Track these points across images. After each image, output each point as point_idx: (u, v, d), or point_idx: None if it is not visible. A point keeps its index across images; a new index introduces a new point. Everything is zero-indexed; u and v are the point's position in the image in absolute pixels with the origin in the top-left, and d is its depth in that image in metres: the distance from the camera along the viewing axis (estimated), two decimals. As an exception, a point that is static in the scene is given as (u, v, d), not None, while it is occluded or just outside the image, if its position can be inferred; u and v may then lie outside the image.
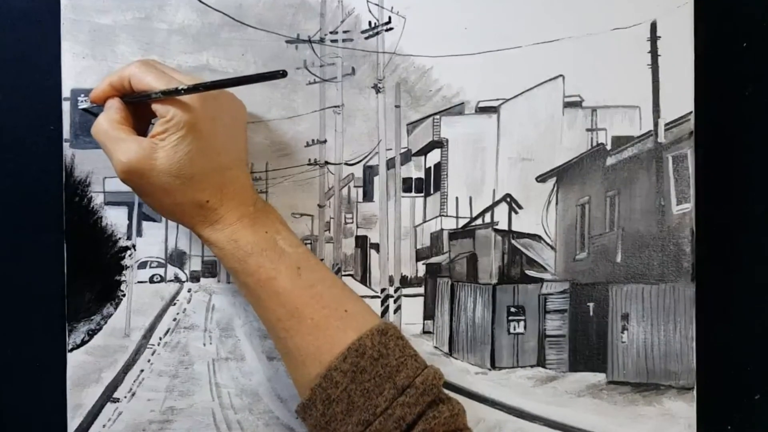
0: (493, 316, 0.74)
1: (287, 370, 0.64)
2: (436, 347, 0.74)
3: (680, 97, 0.72)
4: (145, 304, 0.72)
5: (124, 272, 0.72)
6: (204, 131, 0.53)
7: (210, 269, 0.73)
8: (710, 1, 0.72)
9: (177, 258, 0.73)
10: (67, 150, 0.70)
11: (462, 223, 0.74)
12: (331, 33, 0.73)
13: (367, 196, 0.74)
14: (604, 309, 0.73)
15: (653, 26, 0.72)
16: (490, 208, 0.74)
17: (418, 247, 0.75)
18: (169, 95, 0.53)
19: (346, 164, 0.74)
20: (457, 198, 0.74)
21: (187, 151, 0.53)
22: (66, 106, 0.70)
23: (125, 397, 0.72)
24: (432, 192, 0.74)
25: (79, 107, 0.69)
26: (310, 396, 0.57)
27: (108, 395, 0.72)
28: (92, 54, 0.71)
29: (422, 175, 0.75)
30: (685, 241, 0.72)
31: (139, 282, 0.72)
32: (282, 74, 0.52)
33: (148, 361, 0.72)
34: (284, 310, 0.56)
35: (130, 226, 0.72)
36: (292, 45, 0.72)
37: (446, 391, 0.60)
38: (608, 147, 0.74)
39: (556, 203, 0.74)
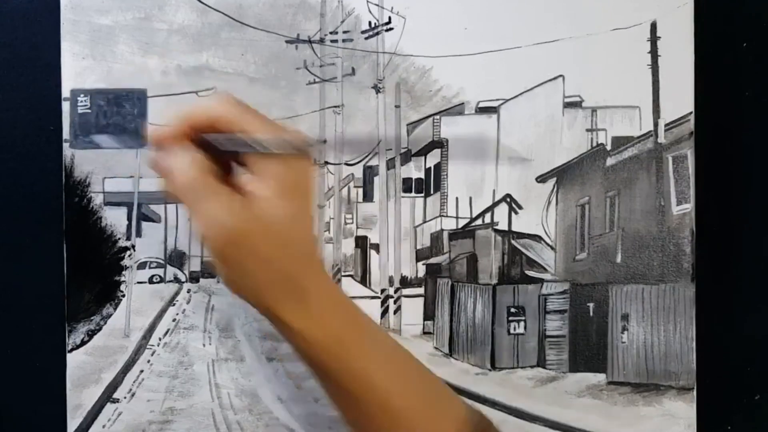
0: (493, 317, 0.74)
1: None
2: (436, 348, 0.74)
3: (680, 97, 0.72)
4: (145, 304, 0.72)
5: (123, 273, 0.72)
6: (305, 192, 0.47)
7: (209, 269, 0.73)
8: (710, 1, 0.72)
9: (176, 258, 0.73)
10: (67, 150, 0.70)
11: (462, 223, 0.74)
12: (331, 33, 0.73)
13: (367, 197, 0.74)
14: (604, 309, 0.73)
15: (653, 26, 0.72)
16: (490, 209, 0.74)
17: (418, 248, 0.75)
18: (281, 149, 0.44)
19: (346, 164, 0.74)
20: (457, 198, 0.74)
21: (292, 213, 0.45)
22: (66, 107, 0.70)
23: (125, 397, 0.72)
24: (432, 192, 0.74)
25: (147, 154, 0.58)
26: None
27: (108, 395, 0.71)
28: (92, 54, 0.71)
29: (422, 175, 0.75)
30: (685, 241, 0.72)
31: (138, 282, 0.72)
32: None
33: (148, 361, 0.72)
34: (375, 403, 0.48)
35: (129, 227, 0.72)
36: (292, 45, 0.72)
37: None
38: (608, 147, 0.74)
39: (556, 203, 0.74)
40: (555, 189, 0.74)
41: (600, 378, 0.73)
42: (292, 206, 0.45)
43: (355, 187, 0.74)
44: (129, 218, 0.72)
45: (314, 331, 0.46)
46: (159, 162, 0.48)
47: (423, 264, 0.75)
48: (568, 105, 0.73)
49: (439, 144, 0.74)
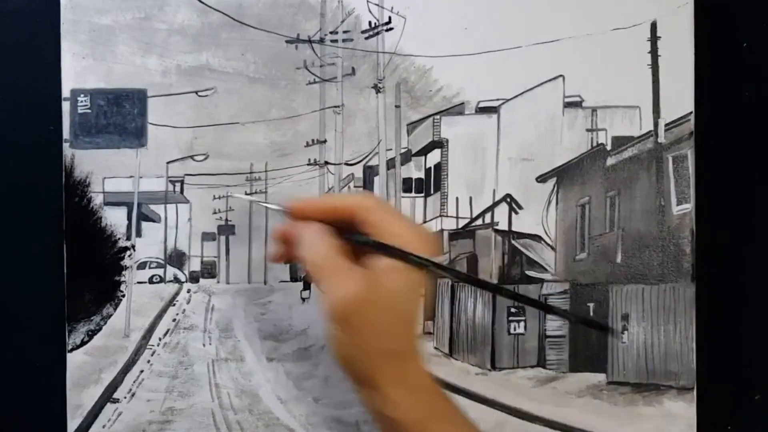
0: (493, 317, 0.74)
1: None
2: (436, 348, 0.74)
3: (680, 97, 0.72)
4: (145, 304, 0.72)
5: (123, 273, 0.72)
6: (420, 277, 0.50)
7: (209, 270, 0.73)
8: (710, 1, 0.72)
9: (176, 258, 0.73)
10: (67, 150, 0.70)
11: (462, 223, 0.74)
12: (331, 33, 0.73)
13: (367, 197, 0.74)
14: (605, 309, 0.73)
15: (653, 26, 0.72)
16: (490, 209, 0.74)
17: (418, 248, 0.74)
18: (422, 264, 0.48)
19: (346, 164, 0.74)
20: (457, 198, 0.74)
21: (407, 289, 0.49)
22: (66, 106, 0.70)
23: (125, 397, 0.72)
24: (432, 192, 0.74)
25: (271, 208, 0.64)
26: None
27: (108, 395, 0.71)
28: (92, 54, 0.71)
29: (422, 175, 0.75)
30: (685, 241, 0.72)
31: (138, 282, 0.72)
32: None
33: (148, 361, 0.72)
34: None
35: (129, 227, 0.72)
36: (292, 45, 0.72)
37: None
38: (608, 147, 0.74)
39: (556, 203, 0.74)
40: (555, 189, 0.74)
41: (600, 378, 0.73)
42: (407, 283, 0.49)
43: (355, 187, 0.74)
44: (129, 218, 0.72)
45: (408, 406, 0.48)
46: (290, 231, 0.52)
47: (423, 264, 0.74)
48: (568, 105, 0.73)
49: (439, 144, 0.74)
